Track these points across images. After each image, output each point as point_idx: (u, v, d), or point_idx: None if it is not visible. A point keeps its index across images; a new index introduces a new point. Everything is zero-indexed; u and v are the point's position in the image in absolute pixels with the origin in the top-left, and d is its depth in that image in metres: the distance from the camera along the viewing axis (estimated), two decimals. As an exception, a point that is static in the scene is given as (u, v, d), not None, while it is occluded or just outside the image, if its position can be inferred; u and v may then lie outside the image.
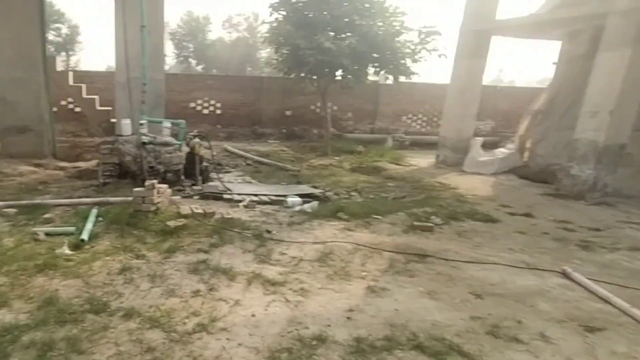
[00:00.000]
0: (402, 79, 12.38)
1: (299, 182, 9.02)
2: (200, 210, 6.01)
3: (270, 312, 3.70)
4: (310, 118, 16.67)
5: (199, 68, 35.67)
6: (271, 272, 4.44)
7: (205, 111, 15.90)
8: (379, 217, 6.41)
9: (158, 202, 5.96)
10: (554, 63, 12.31)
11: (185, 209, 6.08)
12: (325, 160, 12.01)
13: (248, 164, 10.93)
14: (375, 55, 11.82)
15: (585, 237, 6.05)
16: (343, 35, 11.66)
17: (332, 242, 5.29)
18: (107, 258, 4.61)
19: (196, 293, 3.97)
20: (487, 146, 12.50)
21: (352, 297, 3.98)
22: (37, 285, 4.00)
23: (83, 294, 3.87)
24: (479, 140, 11.80)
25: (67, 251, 4.73)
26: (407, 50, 11.88)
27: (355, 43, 10.98)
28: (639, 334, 3.45)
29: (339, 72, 12.06)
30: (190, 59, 35.76)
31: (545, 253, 5.33)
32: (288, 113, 16.55)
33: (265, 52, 37.83)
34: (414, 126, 17.67)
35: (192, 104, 15.73)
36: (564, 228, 6.45)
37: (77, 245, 4.90)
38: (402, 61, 11.93)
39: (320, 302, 3.87)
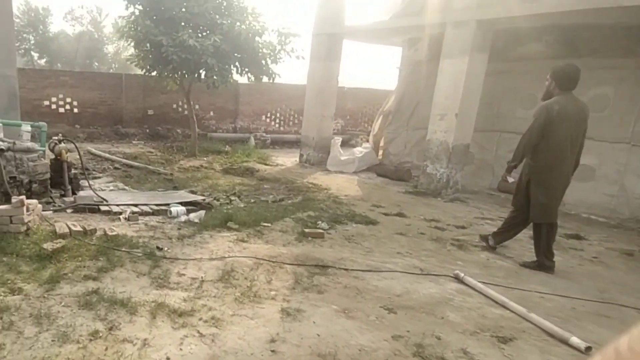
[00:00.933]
0: (264, 79, 11.88)
1: (175, 187, 8.19)
2: (79, 228, 5.04)
3: (186, 352, 3.08)
4: (173, 117, 15.51)
5: (42, 62, 31.56)
6: (174, 299, 3.79)
7: (61, 110, 13.91)
8: (268, 224, 5.97)
9: (29, 221, 4.88)
10: (397, 67, 12.77)
11: (61, 226, 5.06)
12: (195, 162, 11.21)
13: (116, 168, 9.74)
14: (237, 55, 11.19)
15: (456, 236, 6.22)
16: (205, 34, 10.82)
17: (230, 257, 4.74)
18: (-27, 297, 3.60)
19: (95, 335, 3.19)
20: (342, 144, 12.61)
21: (269, 323, 3.52)
22: None
23: (-53, 353, 2.92)
24: (339, 139, 11.83)
25: None
26: (267, 51, 11.41)
27: (219, 42, 10.24)
28: (546, 342, 3.48)
29: (203, 71, 11.18)
30: (32, 52, 31.45)
31: (430, 255, 5.34)
32: (150, 112, 15.17)
33: (112, 47, 34.83)
34: (273, 125, 17.34)
35: (46, 102, 13.65)
36: (436, 227, 6.59)
37: None
38: (263, 61, 11.42)
39: (237, 333, 3.34)
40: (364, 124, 18.64)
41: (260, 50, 11.10)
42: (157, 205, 6.47)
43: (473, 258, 5.41)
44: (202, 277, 4.23)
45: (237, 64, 11.18)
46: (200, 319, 3.51)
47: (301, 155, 12.32)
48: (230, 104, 16.36)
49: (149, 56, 11.16)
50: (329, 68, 11.74)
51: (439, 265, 5.01)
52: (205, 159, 11.75)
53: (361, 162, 11.36)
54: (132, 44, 11.48)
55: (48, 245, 4.48)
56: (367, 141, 16.34)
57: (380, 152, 12.17)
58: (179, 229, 5.62)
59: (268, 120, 17.19)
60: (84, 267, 4.25)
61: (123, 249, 4.70)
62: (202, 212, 6.16)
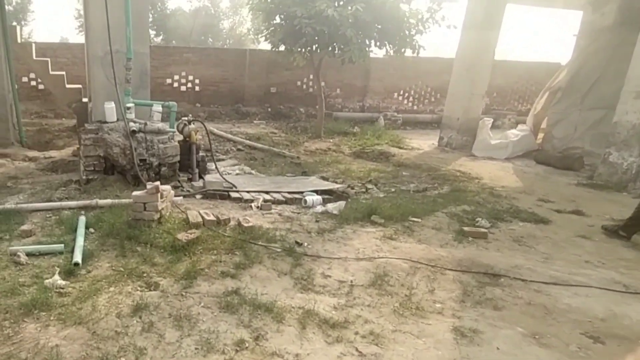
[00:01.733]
0: (407, 52, 11.33)
1: (304, 173, 8.12)
2: (212, 217, 5.06)
3: (346, 375, 2.86)
4: (297, 95, 15.61)
5: (159, 40, 33.78)
6: (323, 305, 3.57)
7: (183, 88, 14.60)
8: (418, 219, 5.59)
9: (162, 209, 4.99)
10: (574, 35, 11.56)
11: (193, 214, 5.12)
12: (321, 144, 11.13)
13: (239, 150, 9.94)
14: (378, 25, 10.77)
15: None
16: (343, 2, 10.36)
17: (380, 257, 4.45)
18: (112, 289, 3.67)
19: (241, 345, 3.06)
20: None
21: (440, 345, 3.15)
22: (27, 338, 3.05)
23: (93, 352, 2.95)
24: (489, 120, 11.03)
25: (60, 281, 3.74)
26: (413, 21, 10.85)
27: (361, 10, 9.90)
28: None
29: (337, 45, 10.91)
30: (149, 30, 33.80)
31: (631, 267, 4.60)
32: (273, 90, 15.40)
33: (227, 23, 36.24)
34: (405, 104, 16.81)
35: (169, 80, 14.40)
36: None
37: (71, 271, 3.93)
38: (409, 32, 10.87)
39: (404, 356, 3.02)
40: (513, 102, 17.40)
41: (406, 20, 10.61)
42: (290, 193, 6.39)
43: None
44: (351, 281, 3.98)
45: (376, 35, 10.80)
46: (357, 334, 3.25)
47: (441, 138, 11.72)
48: (360, 80, 16.09)
49: (280, 30, 11.17)
50: (485, 38, 10.92)
51: (646, 282, 4.29)
52: (331, 140, 11.64)
53: (516, 147, 10.50)
54: (260, 17, 11.59)
55: (182, 236, 4.52)
56: (516, 122, 15.32)
57: (540, 136, 11.18)
58: (316, 221, 5.45)
59: (400, 98, 16.69)
60: (220, 262, 4.21)
61: (260, 243, 4.60)
62: (341, 203, 5.94)
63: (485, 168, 9.11)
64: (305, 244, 4.73)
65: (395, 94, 16.64)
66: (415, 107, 16.68)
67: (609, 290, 4.03)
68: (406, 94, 16.74)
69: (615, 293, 3.99)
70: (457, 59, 11.58)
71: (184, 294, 3.67)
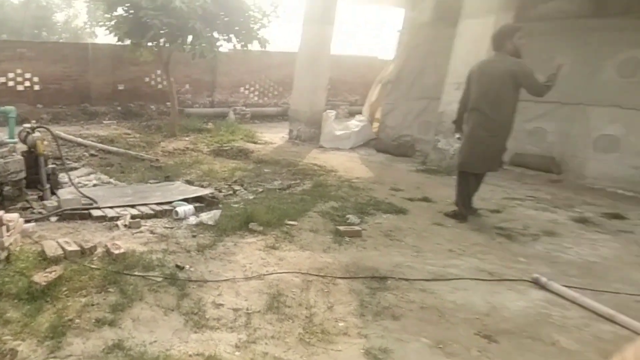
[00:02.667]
0: (254, 47, 10.62)
1: (167, 177, 7.18)
2: (74, 247, 4.05)
3: None
4: (146, 92, 14.18)
5: (-15, 34, 28.80)
6: (224, 346, 2.91)
7: (20, 87, 12.38)
8: (294, 222, 5.13)
9: (10, 244, 3.89)
10: (398, 31, 11.84)
11: (51, 246, 4.05)
12: (178, 143, 10.13)
13: (92, 155, 8.59)
14: (225, 18, 9.93)
15: (497, 223, 5.54)
16: None
17: (270, 274, 3.90)
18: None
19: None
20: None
21: (355, 373, 2.76)
22: None
23: None
24: (332, 113, 10.95)
25: None
26: (258, 15, 10.20)
27: (208, 2, 8.99)
28: None
29: (188, 39, 9.84)
30: (-26, 22, 28.59)
31: (485, 252, 4.62)
32: (120, 87, 13.78)
33: (61, 16, 32.03)
34: (252, 98, 16.20)
35: (2, 79, 12.11)
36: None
37: None
38: (254, 26, 10.22)
39: (323, 394, 2.57)
40: (344, 93, 17.71)
41: (251, 14, 9.90)
42: (158, 204, 5.51)
43: (529, 252, 4.73)
44: (246, 308, 3.36)
45: (223, 29, 9.92)
46: (268, 376, 2.71)
47: (291, 131, 11.38)
48: (208, 75, 15.04)
49: (122, 22, 9.76)
50: (323, 33, 10.67)
51: (504, 266, 4.31)
52: (187, 138, 10.67)
53: (358, 137, 10.56)
54: (101, 8, 10.03)
55: (40, 277, 3.46)
56: (349, 112, 15.61)
57: (376, 125, 11.39)
58: (193, 235, 4.69)
59: (247, 92, 16.01)
60: (93, 305, 3.30)
61: (136, 273, 3.75)
62: (216, 212, 5.22)
63: (336, 159, 8.96)
64: (187, 266, 3.97)
65: (242, 88, 15.92)
66: (260, 101, 16.16)
67: (479, 280, 3.97)
68: (252, 88, 16.10)
69: (485, 283, 3.94)
70: (300, 54, 11.17)
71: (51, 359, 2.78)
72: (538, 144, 8.86)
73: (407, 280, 3.91)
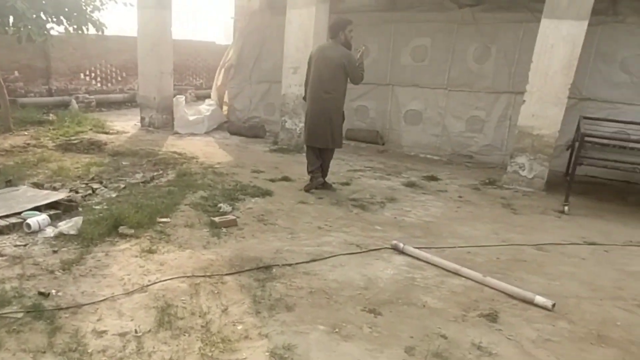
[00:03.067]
0: (92, 31, 8.80)
1: (9, 182, 5.64)
2: None
3: None
4: (-37, 82, 11.15)
5: None
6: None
7: None
8: (166, 219, 4.41)
9: None
10: (231, 18, 11.04)
11: None
12: (16, 139, 8.17)
13: None
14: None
15: (349, 195, 5.54)
16: None
17: (153, 284, 3.22)
18: None
19: None
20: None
21: (265, 379, 2.39)
22: None
23: None
24: (182, 97, 9.86)
25: None
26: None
27: (33, -20, 7.09)
28: (522, 309, 3.07)
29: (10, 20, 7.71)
30: None
31: (347, 225, 4.53)
32: None
33: None
34: (94, 84, 13.91)
35: None
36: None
37: None
38: (86, 8, 8.42)
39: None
40: (189, 77, 16.32)
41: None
42: (3, 218, 4.27)
43: (382, 219, 4.82)
44: (134, 330, 2.70)
45: (51, 11, 7.97)
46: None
47: (142, 119, 10.02)
48: (40, 61, 12.27)
49: None
50: (161, 17, 9.39)
51: (366, 236, 4.28)
52: (26, 133, 8.68)
53: (211, 121, 9.73)
54: None
55: None
56: (195, 96, 14.47)
57: (225, 109, 10.66)
58: (54, 251, 3.67)
59: (88, 79, 13.61)
60: None
61: (-8, 311, 2.81)
62: (78, 220, 4.18)
63: (194, 145, 8.11)
64: (54, 291, 3.04)
65: (82, 75, 13.45)
66: (104, 87, 13.94)
67: (351, 254, 3.86)
68: (93, 74, 13.77)
69: (356, 256, 3.84)
70: (140, 38, 9.62)
71: None
72: (364, 120, 9.19)
73: (290, 265, 3.61)
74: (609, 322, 3.01)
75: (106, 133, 8.97)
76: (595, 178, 6.18)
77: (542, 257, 4.03)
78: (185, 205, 4.84)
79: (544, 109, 5.87)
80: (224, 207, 4.82)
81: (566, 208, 5.11)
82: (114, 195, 5.25)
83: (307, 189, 5.59)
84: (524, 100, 6.03)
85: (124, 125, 9.99)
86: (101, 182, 5.79)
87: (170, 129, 9.51)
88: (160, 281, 3.27)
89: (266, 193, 5.44)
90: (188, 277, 3.34)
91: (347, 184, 6.07)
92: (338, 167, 6.84)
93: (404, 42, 8.50)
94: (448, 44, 8.05)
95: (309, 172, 5.66)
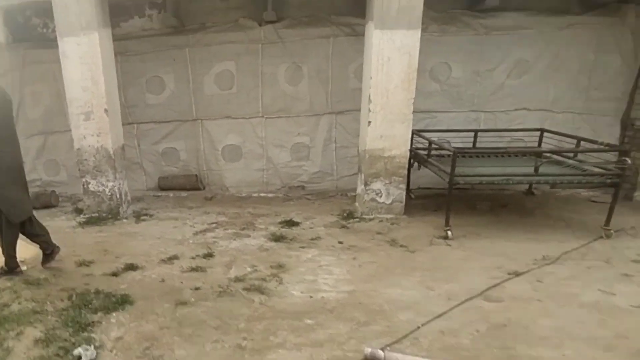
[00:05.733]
0: None
1: None
2: None
3: None
4: None
5: None
6: None
7: None
8: None
9: None
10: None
11: None
12: None
13: None
14: None
15: (229, 275, 4.32)
16: None
17: None
18: None
19: None
20: None
21: None
22: None
23: None
24: None
25: None
26: None
27: None
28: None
29: None
30: None
31: (269, 328, 3.43)
32: None
33: None
34: None
35: None
36: (183, 270, 4.38)
37: None
38: None
39: None
40: None
41: None
42: None
43: (299, 305, 3.85)
44: None
45: None
46: None
47: None
48: None
49: None
50: None
51: (310, 343, 3.26)
52: None
53: None
54: None
55: None
56: None
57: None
58: None
59: None
60: None
61: None
62: None
63: None
64: None
65: None
66: None
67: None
68: None
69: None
70: None
71: None
72: (175, 164, 7.77)
73: None
74: None
75: None
76: (429, 189, 6.74)
77: (505, 311, 3.60)
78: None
79: (390, 128, 5.76)
80: (84, 353, 2.97)
81: (449, 233, 5.23)
82: None
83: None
84: (370, 122, 5.76)
85: None
86: None
87: None
88: None
89: (123, 301, 3.73)
90: None
91: (210, 255, 4.81)
92: (178, 230, 5.46)
93: (205, 69, 7.43)
94: (255, 66, 7.31)
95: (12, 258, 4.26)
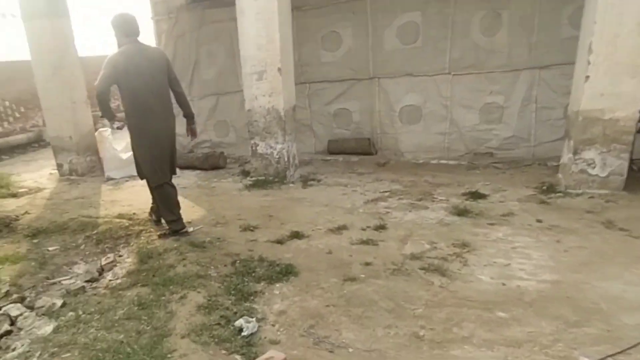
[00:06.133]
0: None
1: None
2: None
3: None
4: None
5: None
6: None
7: None
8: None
9: None
10: (152, 18, 8.71)
11: None
12: None
13: None
14: None
15: (404, 251, 3.87)
16: None
17: None
18: None
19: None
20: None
21: None
22: None
23: None
24: (106, 130, 7.57)
25: None
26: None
27: None
28: None
29: None
30: None
31: (451, 316, 2.88)
32: None
33: None
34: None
35: None
36: (370, 242, 4.04)
37: None
38: None
39: None
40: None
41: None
42: None
43: (485, 292, 3.18)
44: None
45: None
46: None
47: (60, 166, 7.52)
48: None
49: None
50: (60, 29, 6.96)
51: (505, 342, 2.66)
52: None
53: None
54: None
55: None
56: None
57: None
58: None
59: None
60: None
61: None
62: None
63: (141, 196, 5.73)
64: None
65: (-39, 118, 10.50)
66: (1, 129, 10.97)
67: None
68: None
69: None
70: (34, 60, 7.10)
71: None
72: (347, 126, 7.54)
73: None
74: None
75: (14, 196, 6.51)
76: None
77: None
78: (180, 335, 2.87)
79: (616, 84, 4.52)
80: (244, 323, 2.93)
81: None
82: (49, 329, 3.15)
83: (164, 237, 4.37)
84: (588, 76, 4.61)
85: (37, 178, 7.53)
86: (22, 300, 3.63)
87: (100, 175, 7.22)
88: None
89: (287, 271, 3.59)
90: None
91: (382, 227, 4.40)
92: (347, 198, 5.19)
93: (386, 22, 6.85)
94: (445, 16, 6.45)
95: (170, 221, 4.39)
